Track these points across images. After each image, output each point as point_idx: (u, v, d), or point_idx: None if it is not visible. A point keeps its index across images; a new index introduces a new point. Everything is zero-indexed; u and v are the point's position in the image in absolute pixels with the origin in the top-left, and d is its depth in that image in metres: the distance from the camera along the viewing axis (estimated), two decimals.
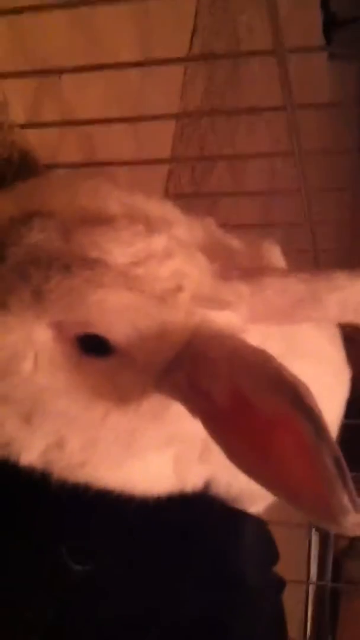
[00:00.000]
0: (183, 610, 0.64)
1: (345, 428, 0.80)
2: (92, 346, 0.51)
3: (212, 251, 0.64)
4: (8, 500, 0.62)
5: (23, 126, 0.87)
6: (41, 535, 0.63)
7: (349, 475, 0.44)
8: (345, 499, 0.43)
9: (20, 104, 0.87)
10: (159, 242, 0.52)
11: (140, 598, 0.63)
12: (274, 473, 0.48)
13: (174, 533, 0.66)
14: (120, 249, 0.50)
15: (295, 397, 0.45)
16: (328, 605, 3.19)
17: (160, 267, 0.51)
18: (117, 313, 0.49)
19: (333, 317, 0.57)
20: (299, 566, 2.96)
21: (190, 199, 1.24)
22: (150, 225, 0.54)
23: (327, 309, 0.56)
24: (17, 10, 0.77)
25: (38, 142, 0.88)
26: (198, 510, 0.68)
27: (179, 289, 0.51)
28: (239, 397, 0.48)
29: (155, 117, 0.93)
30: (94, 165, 0.93)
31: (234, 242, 0.80)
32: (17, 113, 0.86)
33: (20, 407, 0.54)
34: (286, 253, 0.83)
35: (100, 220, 0.52)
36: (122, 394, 0.53)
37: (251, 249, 0.81)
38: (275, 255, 0.82)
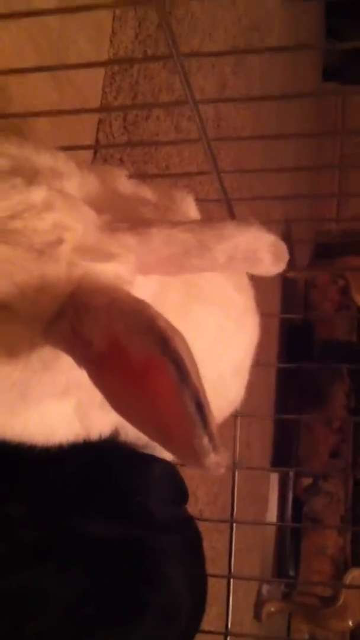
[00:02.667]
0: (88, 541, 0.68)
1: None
2: None
3: (106, 204, 0.65)
4: None
5: None
6: None
7: (211, 418, 0.46)
8: (206, 441, 0.45)
9: None
10: (37, 194, 0.52)
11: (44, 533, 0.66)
12: (149, 417, 0.50)
13: (79, 471, 0.69)
14: None
15: (162, 342, 0.47)
16: (289, 542, 3.35)
17: (39, 220, 0.51)
18: None
19: (221, 266, 0.59)
20: (260, 505, 3.08)
21: (123, 147, 1.23)
22: (35, 178, 0.54)
23: (216, 258, 0.58)
24: None
25: None
26: (104, 452, 0.70)
27: (59, 241, 0.52)
28: (115, 343, 0.50)
29: (72, 66, 0.91)
30: (12, 116, 0.92)
31: (147, 193, 0.81)
32: None
33: None
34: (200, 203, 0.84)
35: None
36: (9, 347, 0.54)
37: (163, 200, 0.82)
38: (188, 205, 0.84)
